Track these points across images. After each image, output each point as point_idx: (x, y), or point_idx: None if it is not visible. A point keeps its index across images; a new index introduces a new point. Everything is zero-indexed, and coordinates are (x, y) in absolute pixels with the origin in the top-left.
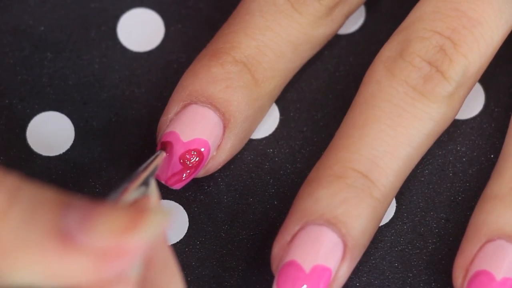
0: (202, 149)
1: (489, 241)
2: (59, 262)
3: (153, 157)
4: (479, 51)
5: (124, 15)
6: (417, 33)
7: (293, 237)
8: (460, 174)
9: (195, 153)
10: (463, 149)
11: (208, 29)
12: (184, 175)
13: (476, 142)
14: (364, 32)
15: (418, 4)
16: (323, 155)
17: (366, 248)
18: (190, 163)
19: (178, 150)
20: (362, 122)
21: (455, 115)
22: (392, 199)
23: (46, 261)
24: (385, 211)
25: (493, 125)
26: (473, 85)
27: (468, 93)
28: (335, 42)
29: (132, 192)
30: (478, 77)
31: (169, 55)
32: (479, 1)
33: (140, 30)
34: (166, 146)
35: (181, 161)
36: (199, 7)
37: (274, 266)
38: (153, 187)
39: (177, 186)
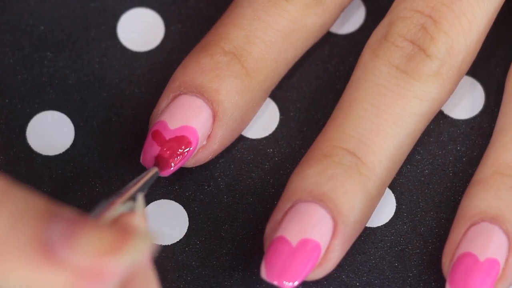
0: (190, 137)
1: (473, 224)
2: (38, 274)
3: (145, 172)
4: (462, 28)
5: (124, 15)
6: (399, 13)
7: (283, 216)
8: (460, 174)
9: (183, 140)
10: (463, 149)
11: (208, 29)
12: (172, 162)
13: (476, 142)
14: (364, 32)
15: None
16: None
17: (366, 249)
18: (178, 150)
19: (165, 137)
20: (347, 103)
21: (447, 96)
22: (385, 180)
23: (25, 271)
24: (378, 190)
25: (493, 125)
26: (464, 67)
27: (458, 75)
28: (336, 42)
29: (119, 206)
30: (469, 59)
31: (169, 55)
32: None
33: (140, 30)
34: (154, 137)
35: (168, 148)
36: (199, 7)
37: (265, 246)
38: (140, 204)
39: (165, 173)
